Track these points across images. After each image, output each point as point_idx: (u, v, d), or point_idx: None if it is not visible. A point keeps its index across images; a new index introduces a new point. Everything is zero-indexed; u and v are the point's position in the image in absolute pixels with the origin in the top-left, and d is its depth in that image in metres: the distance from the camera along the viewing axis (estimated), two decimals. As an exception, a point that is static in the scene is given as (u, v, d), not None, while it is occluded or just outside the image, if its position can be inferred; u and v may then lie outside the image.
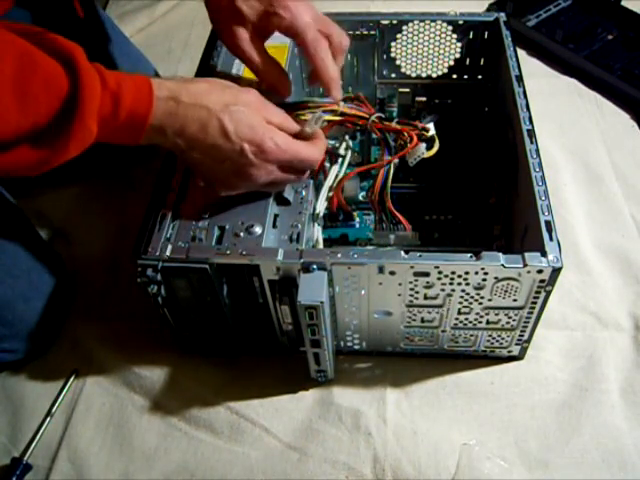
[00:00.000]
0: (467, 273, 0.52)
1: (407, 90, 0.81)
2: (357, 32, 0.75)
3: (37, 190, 0.84)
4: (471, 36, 0.76)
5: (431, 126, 0.62)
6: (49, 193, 0.84)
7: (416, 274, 0.52)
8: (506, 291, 0.53)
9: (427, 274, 0.52)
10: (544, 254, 0.51)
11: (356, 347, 0.64)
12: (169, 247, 0.53)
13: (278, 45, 0.71)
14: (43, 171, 0.45)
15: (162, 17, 1.15)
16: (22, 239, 0.65)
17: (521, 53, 0.93)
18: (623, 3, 1.03)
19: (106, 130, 0.46)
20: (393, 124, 0.62)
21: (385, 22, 0.76)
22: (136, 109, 0.47)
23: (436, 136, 0.62)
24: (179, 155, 0.53)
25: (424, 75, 0.81)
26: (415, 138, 0.60)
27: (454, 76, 0.81)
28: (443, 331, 0.60)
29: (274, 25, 0.57)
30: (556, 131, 0.87)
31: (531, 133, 0.60)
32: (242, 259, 0.52)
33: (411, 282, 0.53)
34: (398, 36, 0.77)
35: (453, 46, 0.77)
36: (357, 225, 0.67)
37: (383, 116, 0.62)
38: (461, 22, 0.75)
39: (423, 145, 0.61)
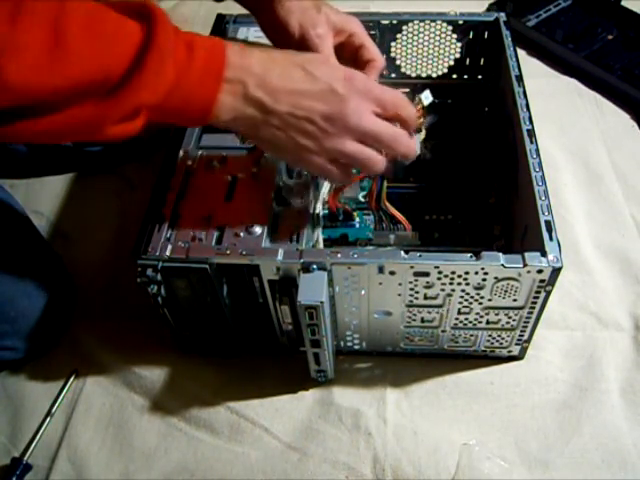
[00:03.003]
0: (467, 273, 0.52)
1: (407, 90, 0.81)
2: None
3: (37, 190, 0.84)
4: (471, 36, 0.76)
5: (427, 95, 0.61)
6: (49, 193, 0.84)
7: (416, 274, 0.52)
8: (506, 291, 0.53)
9: (427, 274, 0.52)
10: (544, 254, 0.51)
11: (356, 347, 0.64)
12: (169, 247, 0.53)
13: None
14: (116, 119, 0.42)
15: (162, 17, 1.15)
16: (23, 239, 0.65)
17: (521, 53, 0.94)
18: (623, 3, 1.03)
19: (181, 81, 0.43)
20: None
21: (385, 22, 0.76)
22: (211, 56, 0.45)
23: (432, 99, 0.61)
24: (256, 128, 0.48)
25: (424, 75, 0.81)
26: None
27: (454, 76, 0.81)
28: (443, 331, 0.60)
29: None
30: (556, 131, 0.87)
31: (531, 133, 0.60)
32: (242, 259, 0.52)
33: (411, 282, 0.53)
34: (398, 36, 0.77)
35: (453, 46, 0.77)
36: (357, 225, 0.67)
37: None
38: (461, 22, 0.75)
39: (427, 91, 0.61)
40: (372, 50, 0.61)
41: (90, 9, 0.40)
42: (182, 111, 0.45)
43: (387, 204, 0.62)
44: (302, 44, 0.58)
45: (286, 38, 0.59)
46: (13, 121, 0.39)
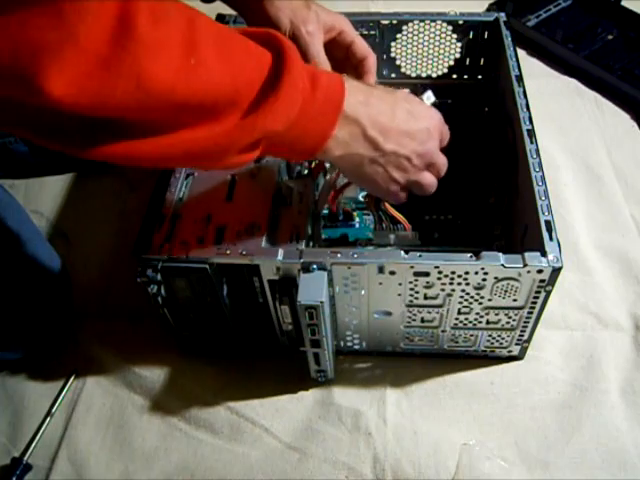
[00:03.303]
0: (467, 273, 0.52)
1: (407, 90, 0.81)
2: (357, 32, 0.75)
3: (37, 190, 0.84)
4: (471, 36, 0.76)
5: (429, 96, 0.61)
6: (49, 193, 0.84)
7: (416, 274, 0.52)
8: (506, 291, 0.53)
9: (427, 274, 0.52)
10: (544, 254, 0.51)
11: (356, 347, 0.64)
12: (169, 247, 0.53)
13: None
14: (241, 146, 0.41)
15: (162, 17, 1.15)
16: (24, 238, 0.65)
17: (521, 53, 0.94)
18: (623, 3, 1.03)
19: (305, 111, 0.43)
20: None
21: (385, 22, 0.76)
22: (331, 90, 0.45)
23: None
24: (361, 165, 0.50)
25: (424, 75, 0.81)
26: None
27: (454, 76, 0.81)
28: (443, 331, 0.60)
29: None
30: (556, 131, 0.87)
31: (531, 133, 0.60)
32: (242, 259, 0.52)
33: (411, 282, 0.53)
34: (398, 36, 0.77)
35: (453, 46, 0.77)
36: (357, 225, 0.67)
37: None
38: (461, 22, 0.75)
39: (429, 92, 0.61)
40: (363, 46, 0.63)
41: (219, 27, 0.40)
42: (297, 142, 0.45)
43: (387, 205, 0.62)
44: (292, 42, 0.59)
45: None
46: (137, 138, 0.38)
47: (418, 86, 0.81)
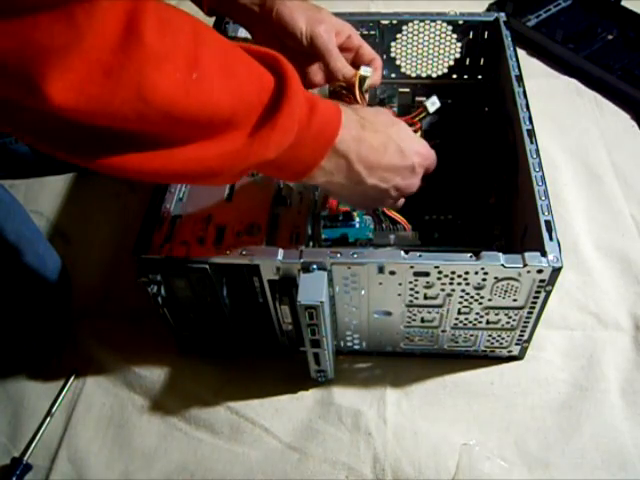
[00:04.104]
0: (467, 273, 0.52)
1: (407, 90, 0.81)
2: (357, 32, 0.75)
3: (37, 190, 0.84)
4: (471, 36, 0.76)
5: (434, 101, 0.61)
6: (49, 193, 0.84)
7: (416, 274, 0.52)
8: (506, 291, 0.53)
9: (427, 274, 0.52)
10: (544, 254, 0.51)
11: (356, 347, 0.64)
12: (169, 247, 0.53)
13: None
14: (233, 173, 0.42)
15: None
16: (24, 238, 0.65)
17: (521, 53, 0.94)
18: (623, 3, 1.03)
19: (298, 140, 0.43)
20: None
21: (385, 22, 0.76)
22: (328, 121, 0.45)
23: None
24: (340, 190, 0.51)
25: (424, 75, 0.81)
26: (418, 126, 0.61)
27: (454, 76, 0.81)
28: (443, 331, 0.60)
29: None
30: (556, 131, 0.87)
31: (531, 133, 0.60)
32: (242, 259, 0.52)
33: (411, 282, 0.53)
34: (398, 36, 0.77)
35: (453, 46, 0.77)
36: (357, 225, 0.67)
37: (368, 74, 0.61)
38: (461, 22, 0.75)
39: (434, 97, 0.61)
40: (370, 50, 0.64)
41: (224, 42, 0.39)
42: (285, 167, 0.45)
43: (384, 208, 0.62)
44: (311, 42, 0.59)
45: (292, 37, 0.59)
46: (135, 151, 0.37)
47: (418, 86, 0.81)
